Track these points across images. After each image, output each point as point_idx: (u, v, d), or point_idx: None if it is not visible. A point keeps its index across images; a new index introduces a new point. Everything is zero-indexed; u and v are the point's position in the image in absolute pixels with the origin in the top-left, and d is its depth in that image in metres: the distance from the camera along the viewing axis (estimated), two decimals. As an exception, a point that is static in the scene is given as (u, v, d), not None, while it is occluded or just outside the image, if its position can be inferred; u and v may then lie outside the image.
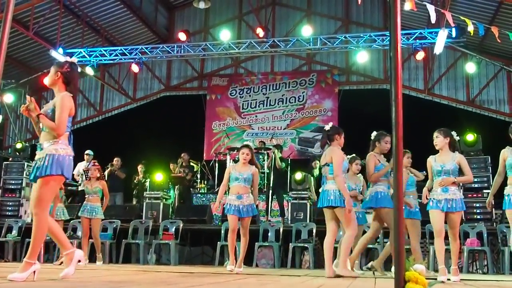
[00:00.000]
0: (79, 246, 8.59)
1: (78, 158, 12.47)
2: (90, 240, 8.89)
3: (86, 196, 8.88)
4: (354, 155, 7.06)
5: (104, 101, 17.53)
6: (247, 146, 6.91)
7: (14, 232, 10.48)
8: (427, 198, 5.88)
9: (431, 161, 5.79)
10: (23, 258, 4.09)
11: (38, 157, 4.16)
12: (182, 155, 12.93)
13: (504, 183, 5.69)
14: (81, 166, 12.42)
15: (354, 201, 6.40)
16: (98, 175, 8.89)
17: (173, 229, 9.90)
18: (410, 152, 6.89)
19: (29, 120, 15.96)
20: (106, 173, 12.30)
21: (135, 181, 12.90)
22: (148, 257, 9.91)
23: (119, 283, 3.87)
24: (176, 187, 12.56)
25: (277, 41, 13.60)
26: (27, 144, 12.99)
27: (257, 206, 7.13)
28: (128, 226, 10.21)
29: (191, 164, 13.29)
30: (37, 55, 15.26)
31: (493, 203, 5.90)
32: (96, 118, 17.42)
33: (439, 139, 5.74)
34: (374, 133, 6.64)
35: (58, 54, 13.53)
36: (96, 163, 9.10)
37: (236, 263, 6.73)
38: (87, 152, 12.48)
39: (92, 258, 9.12)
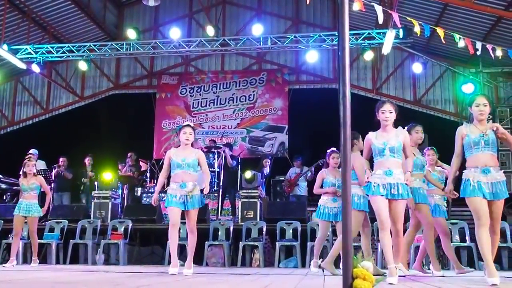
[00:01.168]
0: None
1: (22, 157, 12.19)
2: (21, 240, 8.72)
3: (21, 193, 8.41)
4: (333, 148, 6.91)
5: (51, 99, 17.09)
6: (188, 125, 5.96)
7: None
8: None
9: None
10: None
11: None
12: (129, 154, 12.75)
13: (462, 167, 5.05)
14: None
15: (334, 196, 6.61)
16: (35, 170, 8.45)
17: (122, 229, 9.77)
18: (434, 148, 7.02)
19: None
20: (52, 173, 12.05)
21: (83, 180, 12.64)
22: (97, 257, 9.74)
23: (67, 284, 3.79)
24: (125, 186, 12.40)
25: (227, 40, 13.59)
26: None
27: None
28: (76, 226, 10.01)
29: (140, 163, 13.14)
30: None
31: (453, 190, 5.11)
32: (43, 116, 16.96)
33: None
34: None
35: (3, 51, 13.11)
36: (32, 158, 8.74)
37: (178, 265, 5.80)
38: (31, 151, 12.14)
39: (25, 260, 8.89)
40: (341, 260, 2.50)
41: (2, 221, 10.13)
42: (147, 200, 11.82)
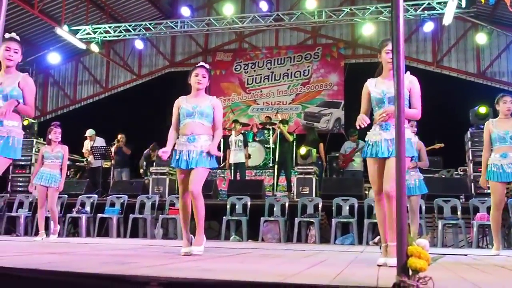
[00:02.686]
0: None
1: (82, 135, 12.57)
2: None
3: (44, 162, 8.01)
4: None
5: (110, 78, 17.49)
6: (202, 66, 4.86)
7: (25, 207, 10.57)
8: None
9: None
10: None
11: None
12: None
13: None
14: (88, 144, 12.48)
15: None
16: (60, 139, 8.06)
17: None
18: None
19: (37, 98, 15.97)
20: (112, 149, 12.34)
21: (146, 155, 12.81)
22: (155, 231, 9.95)
23: (125, 256, 3.88)
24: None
25: (281, 15, 13.46)
26: (34, 121, 13.00)
27: (224, 158, 5.61)
28: (135, 201, 10.25)
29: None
30: (43, 33, 15.18)
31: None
32: (102, 95, 17.41)
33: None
34: None
35: (63, 32, 13.48)
36: (58, 127, 8.21)
37: (192, 242, 4.75)
38: (88, 132, 12.50)
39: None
40: (395, 238, 2.42)
41: (67, 196, 10.49)
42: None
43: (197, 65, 4.86)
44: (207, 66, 4.90)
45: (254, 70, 16.11)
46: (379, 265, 3.70)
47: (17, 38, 4.55)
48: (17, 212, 10.51)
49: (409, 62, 14.69)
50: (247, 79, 16.12)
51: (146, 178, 11.96)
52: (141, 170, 12.87)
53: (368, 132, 4.17)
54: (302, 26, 15.26)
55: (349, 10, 12.98)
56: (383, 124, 4.02)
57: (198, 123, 4.71)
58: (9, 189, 11.83)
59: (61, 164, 8.01)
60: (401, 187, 2.36)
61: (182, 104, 4.83)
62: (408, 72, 4.14)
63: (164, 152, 4.75)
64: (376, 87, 4.20)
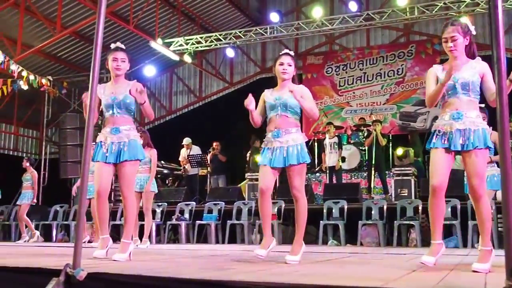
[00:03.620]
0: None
1: (178, 144, 12.95)
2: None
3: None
4: None
5: (203, 87, 17.93)
6: (287, 53, 4.47)
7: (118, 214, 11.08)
8: None
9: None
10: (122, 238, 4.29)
11: (116, 140, 4.35)
12: None
13: None
14: (185, 152, 12.86)
15: None
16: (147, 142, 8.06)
17: (276, 210, 9.95)
18: None
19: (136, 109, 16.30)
20: (208, 157, 12.62)
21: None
22: (253, 237, 10.05)
23: (224, 262, 3.93)
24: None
25: (371, 14, 13.19)
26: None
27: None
28: (232, 208, 10.40)
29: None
30: (138, 47, 15.84)
31: None
32: (197, 104, 17.87)
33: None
34: None
35: (157, 45, 14.01)
36: (144, 132, 8.18)
37: (267, 245, 4.25)
38: (186, 140, 12.87)
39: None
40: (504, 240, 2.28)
41: (166, 204, 10.84)
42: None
43: (281, 53, 4.49)
44: (291, 53, 4.53)
45: (346, 72, 15.89)
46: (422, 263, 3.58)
47: (123, 47, 4.69)
48: (120, 220, 11.00)
49: (511, 54, 13.90)
50: (339, 81, 15.92)
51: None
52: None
53: (435, 122, 3.81)
54: (393, 24, 14.84)
55: (443, 4, 12.48)
56: (454, 113, 3.63)
57: (283, 116, 4.31)
58: (112, 199, 12.41)
59: (150, 168, 8.18)
60: (507, 189, 2.21)
61: (266, 97, 4.51)
62: (479, 58, 3.84)
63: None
64: (443, 73, 3.77)
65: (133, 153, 4.33)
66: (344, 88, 15.81)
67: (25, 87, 13.46)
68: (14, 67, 12.39)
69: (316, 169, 12.43)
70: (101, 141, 4.36)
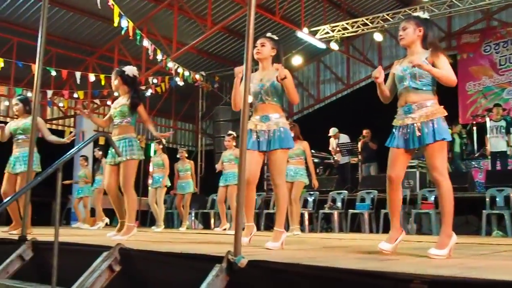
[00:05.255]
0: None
1: (328, 133, 12.87)
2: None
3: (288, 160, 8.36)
4: None
5: (351, 74, 17.65)
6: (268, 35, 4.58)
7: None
8: None
9: None
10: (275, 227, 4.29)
11: (266, 128, 4.31)
12: None
13: None
14: (334, 142, 12.76)
15: None
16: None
17: (433, 198, 9.50)
18: None
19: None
20: (359, 144, 12.40)
21: None
22: (408, 226, 9.69)
23: (383, 252, 3.78)
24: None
25: (535, -17, 12.04)
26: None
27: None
28: (385, 196, 10.09)
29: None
30: (285, 38, 16.01)
31: None
32: (345, 92, 17.65)
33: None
34: None
35: (304, 35, 14.04)
36: (295, 124, 8.53)
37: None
38: (332, 130, 12.75)
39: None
40: None
41: (318, 193, 10.83)
42: (459, 167, 11.28)
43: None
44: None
45: (507, 49, 14.64)
46: None
47: (268, 35, 4.67)
48: (273, 209, 11.22)
49: None
50: (499, 59, 14.74)
51: None
52: None
53: None
54: (561, -7, 13.43)
55: None
56: None
57: (412, 89, 3.74)
58: (265, 188, 12.69)
59: (302, 160, 8.22)
60: None
61: (394, 70, 3.97)
62: None
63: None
64: None
65: (283, 141, 4.32)
66: (505, 67, 14.60)
67: (181, 83, 14.24)
68: (170, 64, 13.15)
69: (476, 155, 11.66)
70: (250, 129, 4.38)
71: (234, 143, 9.12)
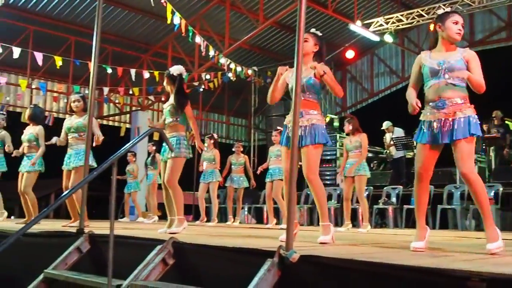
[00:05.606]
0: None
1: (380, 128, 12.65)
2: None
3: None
4: None
5: (406, 67, 17.30)
6: (456, 12, 3.99)
7: (334, 199, 11.14)
8: None
9: None
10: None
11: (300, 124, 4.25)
12: (494, 113, 11.89)
13: None
14: (388, 136, 12.52)
15: None
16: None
17: (492, 193, 9.20)
18: None
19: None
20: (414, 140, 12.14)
21: None
22: (467, 223, 9.43)
23: (438, 249, 3.69)
24: (491, 148, 11.64)
25: None
26: (335, 117, 13.63)
27: None
28: (442, 191, 9.88)
29: (506, 122, 12.15)
30: (338, 31, 15.87)
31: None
32: (399, 85, 17.30)
33: None
34: None
35: (357, 27, 13.85)
36: (353, 116, 8.39)
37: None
38: (386, 124, 12.49)
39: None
40: None
41: (372, 188, 10.67)
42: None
43: (450, 10, 3.96)
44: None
45: None
46: None
47: (312, 30, 4.59)
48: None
49: None
50: None
51: None
52: None
53: None
54: None
55: None
56: None
57: (448, 84, 3.60)
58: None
59: (360, 153, 8.02)
60: None
61: (424, 61, 3.84)
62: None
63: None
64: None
65: (314, 137, 4.26)
66: None
67: (233, 78, 14.31)
68: (223, 60, 13.23)
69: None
70: (285, 125, 4.39)
71: None
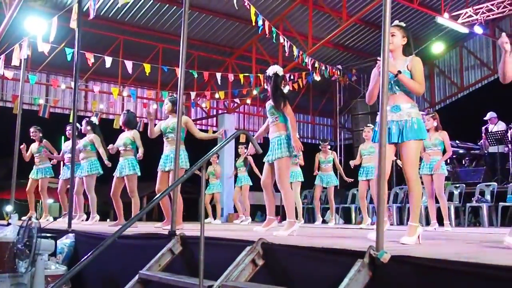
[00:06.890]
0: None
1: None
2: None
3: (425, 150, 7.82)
4: None
5: (497, 58, 16.48)
6: None
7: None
8: None
9: None
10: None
11: (396, 119, 4.13)
12: None
13: None
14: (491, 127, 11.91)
15: None
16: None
17: None
18: None
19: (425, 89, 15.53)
20: (509, 133, 11.55)
21: None
22: None
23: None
24: None
25: None
26: (424, 114, 13.14)
27: None
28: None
29: None
30: (424, 25, 15.41)
31: None
32: (491, 77, 16.53)
33: None
34: None
35: (444, 20, 13.41)
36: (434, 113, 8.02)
37: None
38: (489, 114, 11.87)
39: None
40: None
41: (464, 185, 10.28)
42: None
43: None
44: None
45: None
46: None
47: (396, 22, 4.43)
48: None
49: None
50: None
51: None
52: None
53: None
54: None
55: None
56: None
57: None
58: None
59: (442, 151, 7.75)
60: None
61: None
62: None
63: None
64: None
65: (416, 132, 4.12)
66: None
67: (317, 78, 14.25)
68: (307, 60, 13.21)
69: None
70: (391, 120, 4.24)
71: None
